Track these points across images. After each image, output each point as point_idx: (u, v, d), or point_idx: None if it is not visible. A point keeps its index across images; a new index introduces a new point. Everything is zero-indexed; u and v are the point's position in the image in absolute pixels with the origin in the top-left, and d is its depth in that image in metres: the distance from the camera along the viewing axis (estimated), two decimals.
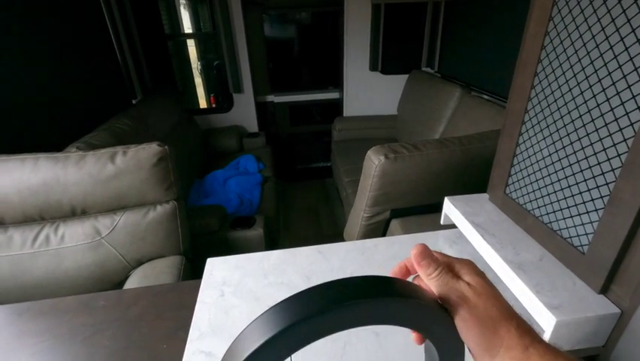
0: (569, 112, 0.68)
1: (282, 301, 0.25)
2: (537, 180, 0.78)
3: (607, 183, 0.61)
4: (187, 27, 3.99)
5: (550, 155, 0.73)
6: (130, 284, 1.15)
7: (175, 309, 0.84)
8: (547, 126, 0.73)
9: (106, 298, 0.89)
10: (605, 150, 0.60)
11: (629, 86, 0.55)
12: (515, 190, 0.85)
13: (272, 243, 1.85)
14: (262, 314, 0.25)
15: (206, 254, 0.92)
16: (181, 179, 1.26)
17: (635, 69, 0.54)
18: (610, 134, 0.59)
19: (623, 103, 0.57)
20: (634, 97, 0.55)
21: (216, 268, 0.87)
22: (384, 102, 2.99)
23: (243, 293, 0.79)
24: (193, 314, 0.75)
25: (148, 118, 1.97)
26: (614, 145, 0.59)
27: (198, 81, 4.22)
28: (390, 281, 0.28)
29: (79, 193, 1.11)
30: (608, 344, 0.63)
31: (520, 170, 0.83)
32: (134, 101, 2.30)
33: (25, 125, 1.36)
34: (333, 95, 3.09)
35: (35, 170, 1.07)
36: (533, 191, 0.79)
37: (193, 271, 1.27)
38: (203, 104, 4.25)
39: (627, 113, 0.56)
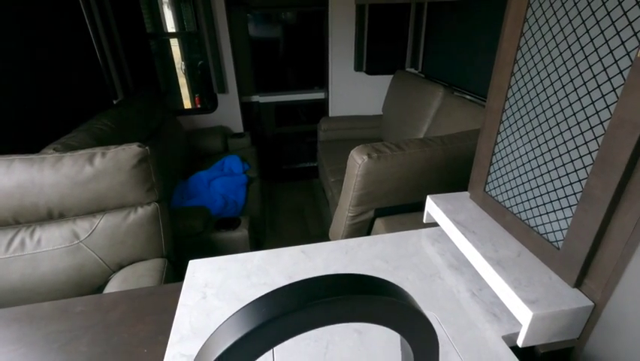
0: (543, 111, 0.69)
1: (254, 301, 0.25)
2: (515, 178, 0.79)
3: (579, 180, 0.62)
4: (170, 26, 3.92)
5: (526, 153, 0.75)
6: (110, 288, 1.12)
7: (156, 313, 0.83)
8: (524, 125, 0.75)
9: (84, 304, 0.87)
10: (577, 147, 0.62)
11: (598, 86, 0.57)
12: (494, 188, 0.87)
13: (257, 244, 1.84)
14: (233, 315, 0.25)
15: (190, 256, 0.91)
16: (164, 180, 1.24)
17: (604, 69, 0.56)
18: (582, 132, 0.61)
19: (593, 102, 0.59)
20: (603, 96, 0.56)
21: (198, 270, 0.86)
22: (369, 102, 3.01)
23: (226, 295, 0.78)
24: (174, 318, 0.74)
25: (129, 119, 1.93)
26: (586, 143, 0.60)
27: (182, 81, 4.16)
28: (366, 279, 0.28)
29: (56, 196, 1.08)
30: (583, 336, 0.65)
31: (499, 168, 0.85)
32: (114, 102, 2.25)
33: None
34: (318, 95, 3.10)
35: (9, 172, 1.04)
36: (511, 188, 0.81)
37: (176, 274, 1.26)
38: (187, 104, 4.19)
39: (597, 112, 0.58)
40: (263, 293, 0.26)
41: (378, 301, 0.26)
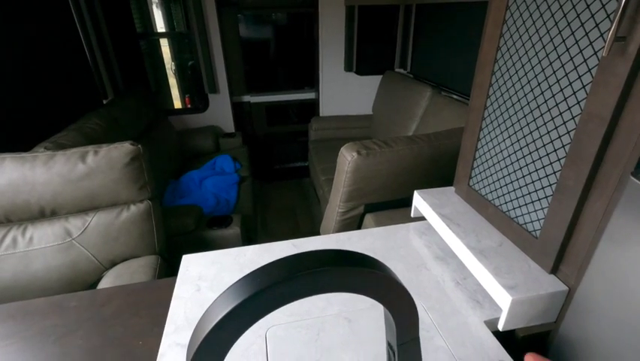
0: (521, 107, 0.73)
1: (249, 274, 0.28)
2: (496, 172, 0.83)
3: (554, 172, 0.66)
4: (160, 26, 3.90)
5: (506, 148, 0.79)
6: (103, 285, 1.13)
7: (151, 307, 0.84)
8: (504, 121, 0.79)
9: (78, 299, 0.88)
10: (552, 141, 0.66)
11: (570, 84, 0.61)
12: (478, 182, 0.91)
13: (249, 242, 1.85)
14: (232, 285, 0.28)
15: (182, 254, 0.93)
16: (155, 179, 1.25)
17: (575, 68, 0.60)
18: (556, 127, 0.65)
19: (566, 99, 0.62)
20: (574, 93, 0.60)
21: (192, 264, 0.88)
22: (359, 102, 3.05)
23: (220, 287, 0.80)
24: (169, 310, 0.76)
25: (120, 118, 1.94)
26: (560, 137, 0.64)
27: (172, 82, 4.14)
28: (351, 254, 0.30)
29: (48, 194, 1.08)
30: (559, 319, 0.69)
31: (482, 163, 0.89)
32: (104, 101, 2.25)
33: None
34: (309, 95, 3.12)
35: (0, 170, 1.04)
36: (493, 182, 0.85)
37: (169, 271, 1.27)
38: (177, 104, 4.17)
39: (569, 108, 0.62)
40: None
41: (359, 272, 0.29)
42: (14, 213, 1.09)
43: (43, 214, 1.12)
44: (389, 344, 0.37)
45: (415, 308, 0.32)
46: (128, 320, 0.82)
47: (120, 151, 1.12)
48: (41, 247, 1.11)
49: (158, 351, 0.68)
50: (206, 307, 0.77)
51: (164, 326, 0.73)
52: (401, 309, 0.31)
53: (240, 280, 0.29)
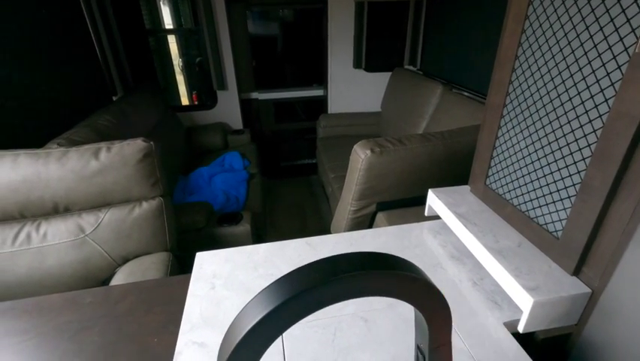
0: (543, 105, 0.72)
1: (282, 277, 0.27)
2: (515, 171, 0.82)
3: (578, 172, 0.65)
4: (167, 23, 3.91)
5: (527, 146, 0.77)
6: (116, 281, 1.13)
7: (164, 304, 0.85)
8: (524, 119, 0.77)
9: (92, 295, 0.88)
10: (576, 140, 0.64)
11: (597, 81, 0.59)
12: (495, 181, 0.89)
13: (258, 239, 1.85)
14: (265, 288, 0.27)
15: (193, 251, 0.92)
16: (166, 176, 1.25)
17: (603, 65, 0.58)
18: (581, 126, 0.63)
19: (592, 96, 0.61)
20: (602, 90, 0.59)
21: (206, 261, 0.88)
22: (368, 99, 3.03)
23: (234, 285, 0.80)
24: (183, 308, 0.75)
25: (130, 114, 1.94)
26: (585, 136, 0.63)
27: (180, 78, 4.15)
28: (386, 257, 0.29)
29: (61, 190, 1.09)
30: (581, 322, 0.67)
31: (500, 162, 0.87)
32: (114, 98, 2.25)
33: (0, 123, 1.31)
34: (317, 92, 3.11)
35: (15, 166, 1.05)
36: (512, 181, 0.83)
37: (180, 268, 1.27)
38: (185, 101, 4.18)
39: (596, 106, 0.60)
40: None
41: (395, 275, 0.28)
42: (28, 209, 1.10)
43: (56, 210, 1.13)
44: (419, 348, 0.36)
45: (450, 313, 0.31)
46: (142, 317, 0.82)
47: (133, 148, 1.12)
48: (55, 243, 1.11)
49: (173, 349, 0.67)
50: (221, 306, 0.76)
51: (178, 324, 0.73)
52: (436, 313, 0.30)
53: (273, 283, 0.28)
